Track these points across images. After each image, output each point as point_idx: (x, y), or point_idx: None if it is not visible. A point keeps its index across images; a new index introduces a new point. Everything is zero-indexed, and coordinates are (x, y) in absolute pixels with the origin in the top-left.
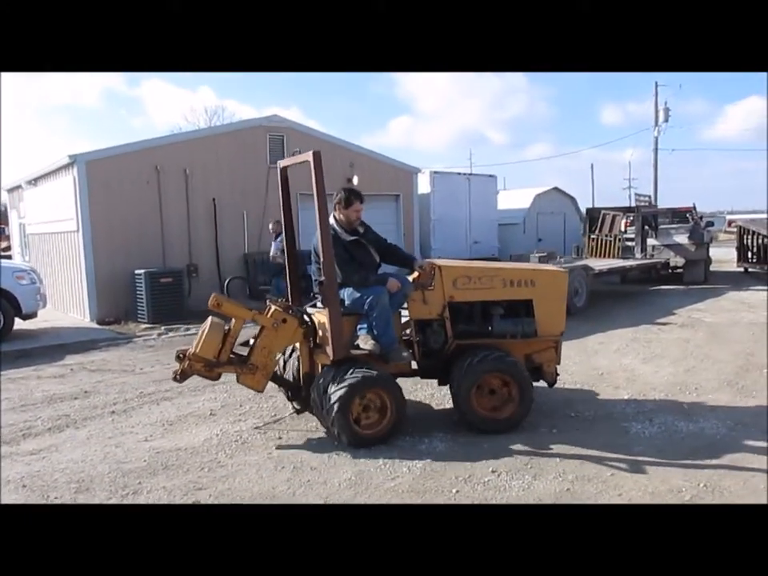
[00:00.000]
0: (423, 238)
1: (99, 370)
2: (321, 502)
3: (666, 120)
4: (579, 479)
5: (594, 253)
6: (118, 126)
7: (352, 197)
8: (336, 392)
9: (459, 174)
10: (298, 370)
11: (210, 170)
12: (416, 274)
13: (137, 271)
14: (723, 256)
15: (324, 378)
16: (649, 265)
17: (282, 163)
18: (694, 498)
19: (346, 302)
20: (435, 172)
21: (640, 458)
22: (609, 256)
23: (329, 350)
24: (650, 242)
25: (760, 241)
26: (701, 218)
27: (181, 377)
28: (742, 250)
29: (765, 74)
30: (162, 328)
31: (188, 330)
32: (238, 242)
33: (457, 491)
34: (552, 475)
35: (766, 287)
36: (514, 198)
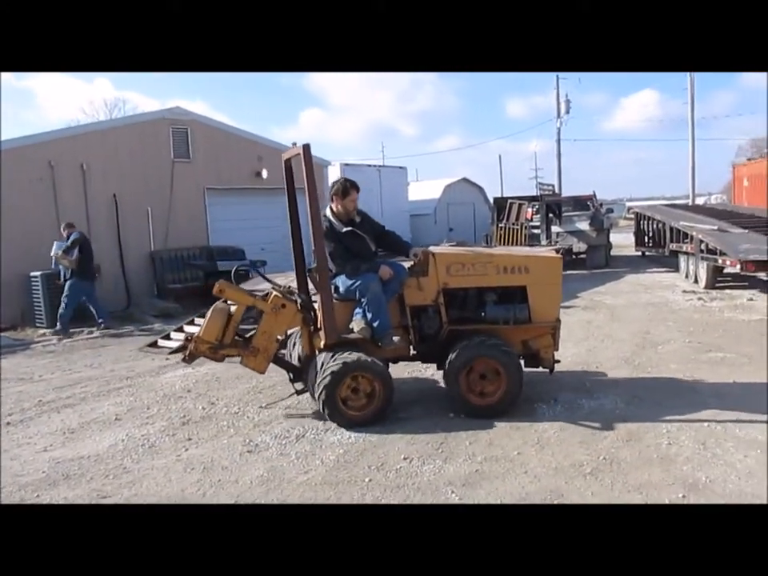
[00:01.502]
0: None
1: None
2: (232, 501)
3: (568, 112)
4: (488, 460)
5: (502, 241)
6: (6, 120)
7: (348, 186)
8: (323, 377)
9: (370, 165)
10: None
11: (110, 164)
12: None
13: (32, 273)
14: (623, 241)
15: (318, 361)
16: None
17: (284, 156)
18: (594, 471)
19: (341, 290)
20: (346, 164)
21: (545, 436)
22: (516, 243)
23: (322, 334)
24: (555, 229)
25: (655, 226)
26: (601, 205)
27: (189, 358)
28: (639, 235)
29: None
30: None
31: (91, 332)
32: (143, 240)
33: (370, 480)
34: (462, 458)
35: (661, 269)
36: (425, 189)
